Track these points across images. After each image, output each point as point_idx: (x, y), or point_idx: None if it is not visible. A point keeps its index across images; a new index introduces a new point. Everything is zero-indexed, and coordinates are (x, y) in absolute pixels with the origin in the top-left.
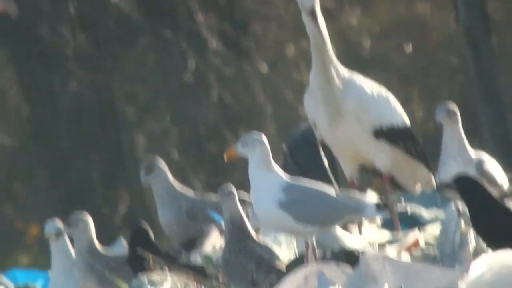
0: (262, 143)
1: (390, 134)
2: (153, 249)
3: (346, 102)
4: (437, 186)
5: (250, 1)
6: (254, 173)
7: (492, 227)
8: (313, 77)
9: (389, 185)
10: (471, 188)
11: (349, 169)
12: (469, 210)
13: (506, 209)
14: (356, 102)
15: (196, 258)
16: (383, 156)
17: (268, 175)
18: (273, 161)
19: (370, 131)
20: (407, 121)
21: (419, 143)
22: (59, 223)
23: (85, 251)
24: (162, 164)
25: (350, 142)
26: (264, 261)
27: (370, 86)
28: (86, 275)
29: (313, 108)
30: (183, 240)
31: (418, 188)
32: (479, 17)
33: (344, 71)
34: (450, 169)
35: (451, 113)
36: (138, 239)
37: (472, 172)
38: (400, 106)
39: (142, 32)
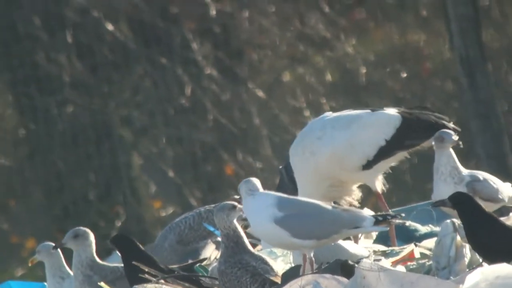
0: (244, 183)
1: (379, 157)
2: (147, 259)
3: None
4: (433, 203)
5: (245, 30)
6: (245, 204)
7: (487, 243)
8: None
9: (383, 202)
10: (466, 205)
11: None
12: (464, 226)
13: (501, 225)
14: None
15: (191, 268)
16: (374, 178)
17: (260, 196)
18: (260, 188)
19: (359, 169)
20: (387, 130)
21: (406, 132)
22: (48, 248)
23: (86, 263)
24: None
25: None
26: (259, 273)
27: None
28: (83, 286)
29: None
30: (179, 257)
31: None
32: (474, 45)
33: (309, 140)
34: (441, 191)
35: (439, 139)
36: (127, 248)
37: (464, 191)
38: (371, 120)
39: (138, 59)
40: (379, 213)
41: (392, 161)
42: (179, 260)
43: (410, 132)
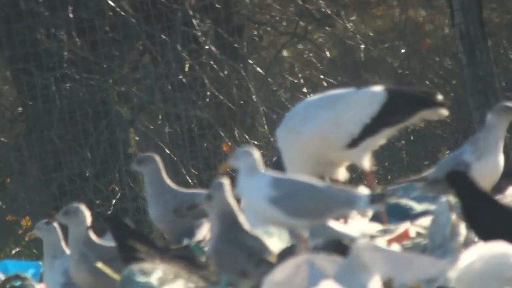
0: (251, 155)
1: (364, 135)
2: (141, 238)
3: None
4: (428, 181)
5: (245, 5)
6: (242, 179)
7: (483, 221)
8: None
9: (373, 181)
10: (462, 183)
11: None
12: (460, 204)
13: (497, 203)
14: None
15: (186, 248)
16: (361, 157)
17: (255, 176)
18: (261, 167)
19: (345, 147)
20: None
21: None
22: (47, 223)
23: (81, 241)
24: (157, 159)
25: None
26: (254, 252)
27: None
28: (79, 265)
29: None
30: (174, 234)
31: None
32: (475, 21)
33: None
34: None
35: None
36: (119, 228)
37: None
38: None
39: (138, 35)
40: (374, 193)
41: (379, 139)
42: (174, 234)
43: (396, 108)
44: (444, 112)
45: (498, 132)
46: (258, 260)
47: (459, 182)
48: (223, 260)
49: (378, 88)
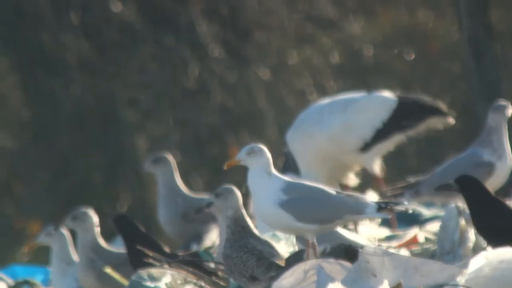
0: (264, 152)
1: (376, 139)
2: (150, 242)
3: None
4: (437, 186)
5: (252, 10)
6: (254, 179)
7: (493, 226)
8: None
9: (382, 186)
10: (472, 188)
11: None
12: (469, 209)
13: (506, 208)
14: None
15: (195, 254)
16: (372, 161)
17: (267, 178)
18: (273, 168)
19: (357, 151)
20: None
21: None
22: (48, 232)
23: (89, 246)
24: (171, 159)
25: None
26: (265, 257)
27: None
28: (86, 270)
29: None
30: (183, 239)
31: None
32: (482, 26)
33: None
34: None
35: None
36: (129, 230)
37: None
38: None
39: (145, 40)
40: (382, 201)
41: (389, 144)
42: (182, 239)
43: (406, 114)
44: (451, 120)
45: (504, 131)
46: (269, 264)
47: (469, 187)
48: (233, 265)
49: (388, 94)
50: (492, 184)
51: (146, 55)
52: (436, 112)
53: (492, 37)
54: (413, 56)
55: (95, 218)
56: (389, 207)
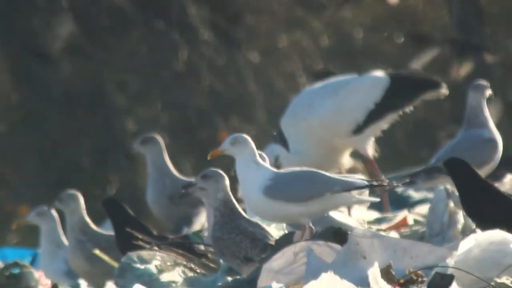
0: (248, 142)
1: (369, 121)
2: (139, 226)
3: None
4: (426, 168)
5: None
6: (242, 169)
7: (482, 208)
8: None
9: (375, 168)
10: (461, 170)
11: (334, 158)
12: (459, 192)
13: (495, 191)
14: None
15: (186, 237)
16: (365, 144)
17: (255, 168)
18: (259, 158)
19: (350, 134)
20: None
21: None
22: (40, 212)
23: (78, 228)
24: (160, 139)
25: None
26: (258, 239)
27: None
28: (76, 251)
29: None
30: (170, 221)
31: None
32: (472, 9)
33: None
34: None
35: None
36: (118, 213)
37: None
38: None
39: (134, 23)
40: (371, 180)
41: (383, 125)
42: (170, 221)
43: (399, 91)
44: (445, 91)
45: (485, 108)
46: (264, 245)
47: (458, 170)
48: (224, 246)
49: (380, 73)
50: (496, 161)
51: (135, 39)
52: (429, 85)
53: (482, 20)
54: (402, 39)
55: (81, 200)
56: (378, 183)
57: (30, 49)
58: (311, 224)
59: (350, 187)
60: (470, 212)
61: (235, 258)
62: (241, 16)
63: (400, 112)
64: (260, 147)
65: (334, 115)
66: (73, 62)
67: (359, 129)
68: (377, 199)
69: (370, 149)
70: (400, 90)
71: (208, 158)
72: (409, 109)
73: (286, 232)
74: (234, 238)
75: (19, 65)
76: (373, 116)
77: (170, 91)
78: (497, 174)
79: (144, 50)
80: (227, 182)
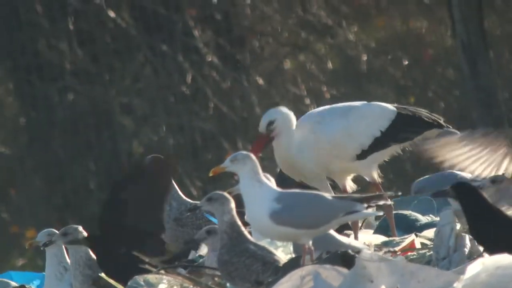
0: (252, 159)
1: (373, 147)
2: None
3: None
4: (434, 193)
5: (247, 16)
6: (246, 188)
7: (489, 233)
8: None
9: (381, 191)
10: (468, 195)
11: (340, 180)
12: (466, 216)
13: (503, 216)
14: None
15: (191, 259)
16: (368, 169)
17: (259, 188)
18: (263, 176)
19: (354, 158)
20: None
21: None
22: (50, 233)
23: (83, 263)
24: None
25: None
26: (269, 262)
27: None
28: (83, 286)
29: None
30: (176, 244)
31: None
32: (476, 32)
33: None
34: None
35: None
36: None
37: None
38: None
39: (139, 46)
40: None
41: (385, 154)
42: (175, 244)
43: (404, 126)
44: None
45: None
46: (275, 268)
47: (465, 194)
48: (233, 270)
49: (388, 105)
50: None
51: (140, 61)
52: (434, 126)
53: (486, 43)
54: (407, 62)
55: (82, 234)
56: (374, 200)
57: (35, 71)
58: (310, 244)
59: (353, 210)
60: (477, 237)
61: (245, 281)
62: (246, 39)
63: (401, 146)
64: (265, 169)
65: (342, 136)
66: (78, 84)
67: (363, 155)
68: (381, 213)
69: (375, 174)
70: (404, 125)
71: (210, 174)
72: (410, 144)
73: (293, 256)
74: (244, 261)
75: (25, 88)
76: (378, 144)
77: (175, 114)
78: (509, 191)
79: (149, 73)
80: (233, 204)
